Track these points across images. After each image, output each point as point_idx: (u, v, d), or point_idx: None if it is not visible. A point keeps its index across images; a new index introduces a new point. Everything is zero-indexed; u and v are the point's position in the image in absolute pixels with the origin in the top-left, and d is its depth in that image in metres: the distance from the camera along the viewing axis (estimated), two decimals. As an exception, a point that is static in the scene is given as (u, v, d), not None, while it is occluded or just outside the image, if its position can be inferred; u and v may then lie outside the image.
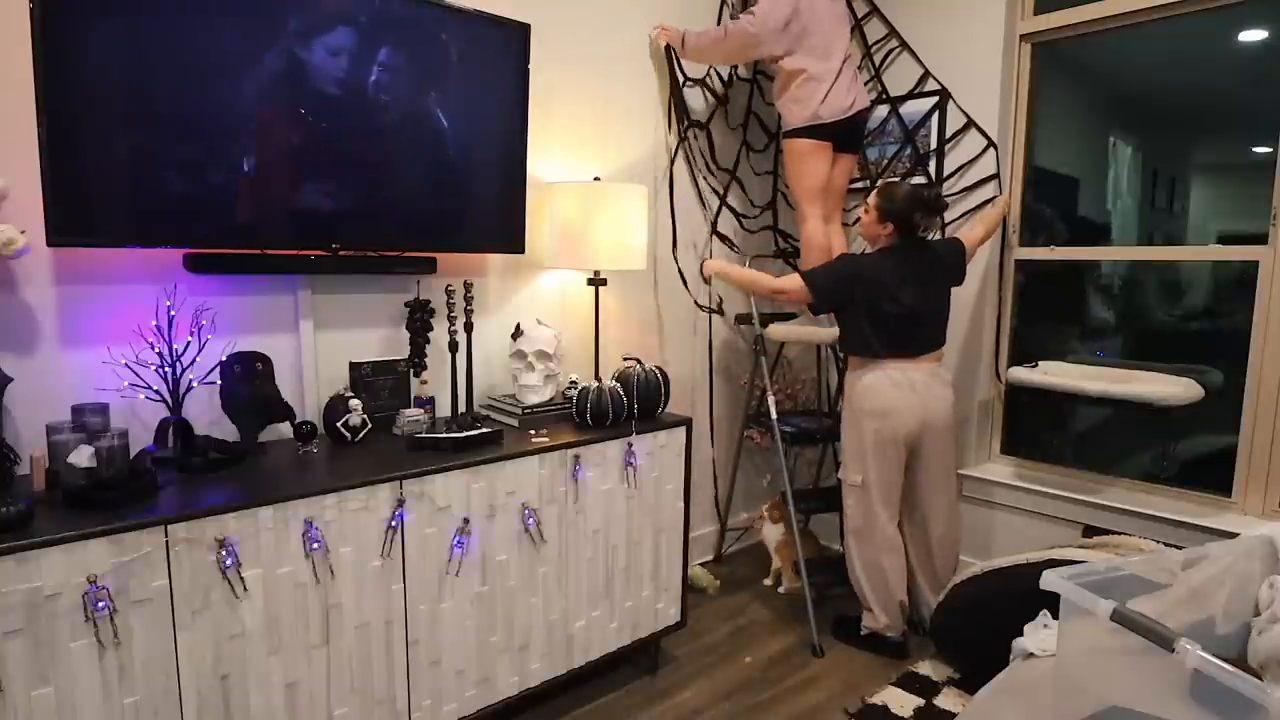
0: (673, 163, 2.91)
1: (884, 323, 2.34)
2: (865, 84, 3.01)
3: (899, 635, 2.49)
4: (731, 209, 3.15)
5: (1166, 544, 2.05)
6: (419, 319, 2.17)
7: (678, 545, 2.38)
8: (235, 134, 1.75)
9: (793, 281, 2.41)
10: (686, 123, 2.91)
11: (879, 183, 2.80)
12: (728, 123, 3.10)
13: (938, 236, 2.81)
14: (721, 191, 3.11)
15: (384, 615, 1.73)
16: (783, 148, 2.79)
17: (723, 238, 3.13)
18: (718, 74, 3.00)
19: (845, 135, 2.69)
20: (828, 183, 2.72)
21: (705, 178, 3.05)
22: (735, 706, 2.22)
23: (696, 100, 2.96)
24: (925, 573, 2.56)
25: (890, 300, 2.32)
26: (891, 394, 2.36)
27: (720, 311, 3.12)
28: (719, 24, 2.92)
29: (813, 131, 2.61)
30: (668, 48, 2.77)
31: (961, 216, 2.81)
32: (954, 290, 2.48)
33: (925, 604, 2.58)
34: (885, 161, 3.00)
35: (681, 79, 2.85)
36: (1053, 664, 1.60)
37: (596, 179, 2.49)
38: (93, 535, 1.34)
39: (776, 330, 2.84)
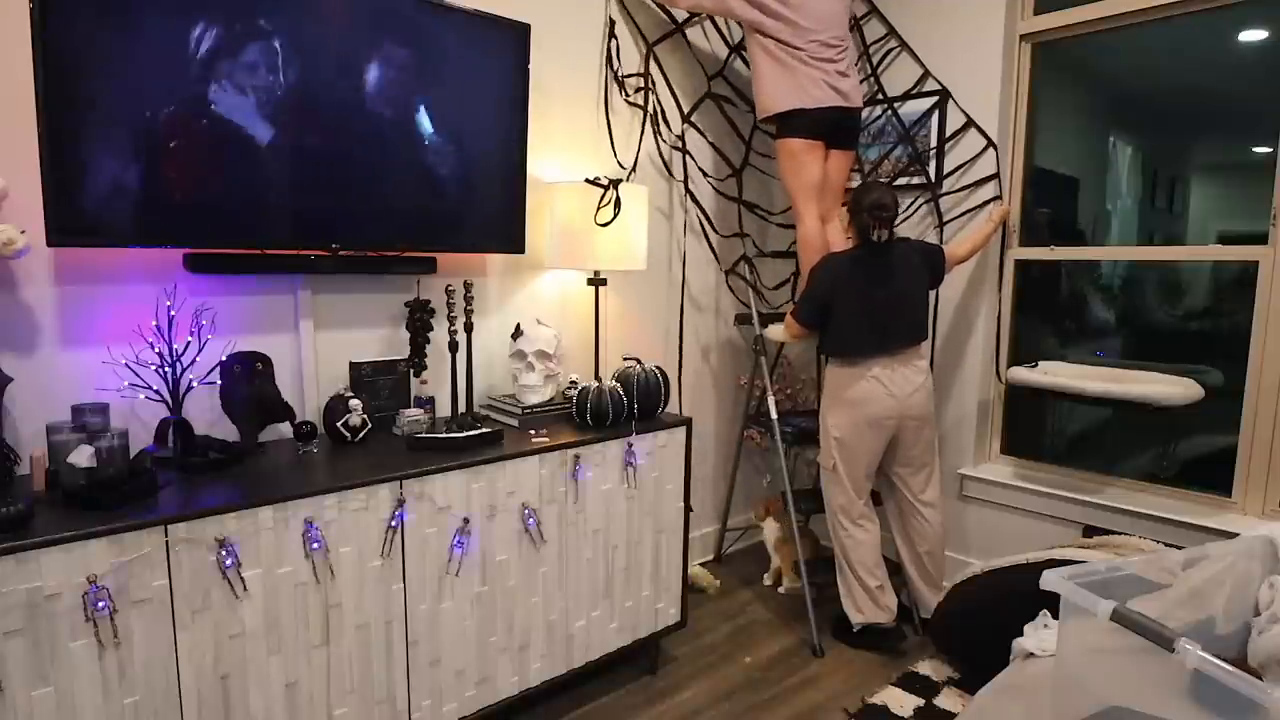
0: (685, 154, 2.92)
1: (859, 322, 2.40)
2: (861, 81, 2.99)
3: (890, 621, 2.50)
4: (750, 204, 3.16)
5: (1166, 544, 2.05)
6: (419, 319, 2.17)
7: (678, 545, 2.37)
8: (234, 133, 1.75)
9: (792, 325, 2.57)
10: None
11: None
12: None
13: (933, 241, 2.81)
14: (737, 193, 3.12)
15: (384, 615, 1.73)
16: (773, 148, 2.76)
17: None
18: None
19: (836, 132, 2.62)
20: (823, 181, 2.67)
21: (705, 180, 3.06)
22: (735, 706, 2.22)
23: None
24: (915, 564, 2.58)
25: (864, 298, 2.40)
26: (862, 384, 2.42)
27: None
28: None
29: (801, 130, 2.56)
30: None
31: (962, 217, 2.81)
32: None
33: (924, 603, 2.58)
34: (883, 161, 3.00)
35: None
36: (1053, 664, 1.60)
37: (597, 179, 2.48)
38: (93, 535, 1.34)
39: (776, 331, 2.83)
